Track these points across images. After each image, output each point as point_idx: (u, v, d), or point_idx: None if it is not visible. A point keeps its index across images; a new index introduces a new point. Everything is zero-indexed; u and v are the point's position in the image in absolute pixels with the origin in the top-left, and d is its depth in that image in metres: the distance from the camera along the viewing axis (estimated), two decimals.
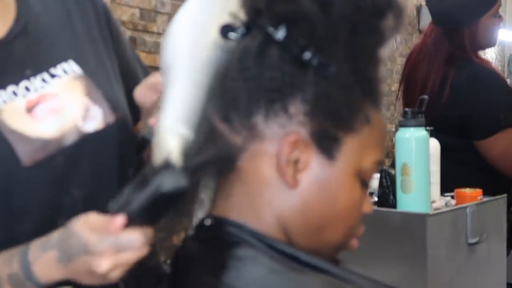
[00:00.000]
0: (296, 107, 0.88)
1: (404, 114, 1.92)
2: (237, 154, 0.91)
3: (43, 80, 1.16)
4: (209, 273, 0.89)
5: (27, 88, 1.14)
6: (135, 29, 2.43)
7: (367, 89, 0.91)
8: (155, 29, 2.54)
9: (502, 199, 2.19)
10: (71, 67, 1.20)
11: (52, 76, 1.18)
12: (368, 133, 0.92)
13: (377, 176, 2.07)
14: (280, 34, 0.87)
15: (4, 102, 1.12)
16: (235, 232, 0.92)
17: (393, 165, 1.96)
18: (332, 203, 0.91)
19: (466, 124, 2.45)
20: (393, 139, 1.92)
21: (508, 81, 5.45)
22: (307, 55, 0.86)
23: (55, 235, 0.96)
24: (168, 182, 0.85)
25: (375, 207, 1.95)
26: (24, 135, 1.10)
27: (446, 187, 2.10)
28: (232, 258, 0.89)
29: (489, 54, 5.99)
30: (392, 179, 1.94)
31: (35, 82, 1.15)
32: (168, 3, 2.61)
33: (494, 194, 2.19)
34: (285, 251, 0.90)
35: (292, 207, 0.91)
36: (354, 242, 0.97)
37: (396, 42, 4.37)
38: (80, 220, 0.92)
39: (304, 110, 0.88)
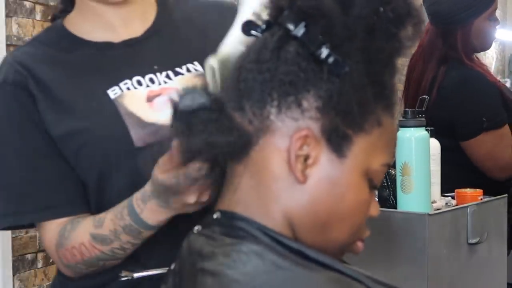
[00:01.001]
0: (309, 102, 0.90)
1: (405, 114, 1.91)
2: (248, 144, 0.92)
3: (168, 76, 1.30)
4: (215, 268, 0.89)
5: (151, 80, 1.29)
6: None
7: (380, 93, 0.93)
8: None
9: (503, 199, 2.19)
10: (195, 67, 1.33)
11: (176, 74, 1.31)
12: (378, 136, 0.93)
13: None
14: (299, 30, 0.90)
15: (128, 89, 1.26)
16: (242, 227, 0.92)
17: (393, 165, 1.96)
18: (340, 201, 0.92)
19: (453, 124, 2.45)
20: None
21: (508, 81, 5.45)
22: (324, 52, 0.89)
23: (147, 187, 1.13)
24: (188, 99, 0.94)
25: None
26: (140, 119, 1.24)
27: (447, 187, 2.10)
28: (239, 253, 0.89)
29: (490, 54, 5.99)
30: (393, 179, 1.93)
31: (160, 77, 1.29)
32: None
33: (494, 194, 2.19)
34: (291, 247, 0.91)
35: (299, 202, 0.92)
36: (360, 245, 0.98)
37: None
38: (155, 168, 1.07)
39: (317, 106, 0.90)
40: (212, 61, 1.01)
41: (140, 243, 1.21)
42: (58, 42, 1.32)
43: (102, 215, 1.22)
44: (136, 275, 1.21)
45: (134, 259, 1.24)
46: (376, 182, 0.95)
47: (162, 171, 1.06)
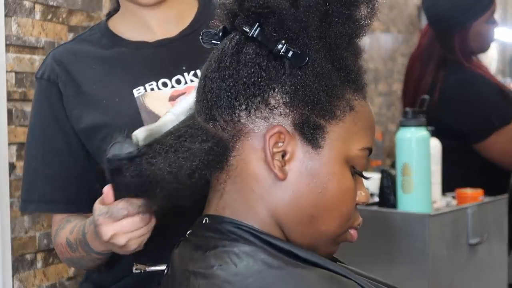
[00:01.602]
0: (276, 99, 0.90)
1: (405, 114, 1.91)
2: (226, 150, 0.93)
3: (195, 74, 1.32)
4: (206, 270, 0.88)
5: (178, 81, 1.32)
6: None
7: (346, 76, 0.93)
8: None
9: (503, 199, 2.19)
10: None
11: None
12: (353, 121, 0.93)
13: (377, 176, 2.06)
14: (255, 31, 0.90)
15: (152, 89, 1.30)
16: (232, 230, 0.92)
17: (393, 165, 1.95)
18: (323, 192, 0.91)
19: (461, 128, 2.45)
20: (394, 139, 1.92)
21: (508, 81, 5.45)
22: (281, 47, 0.89)
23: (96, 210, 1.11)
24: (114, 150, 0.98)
25: (376, 208, 1.95)
26: (157, 117, 1.23)
27: (447, 187, 2.10)
28: (230, 254, 0.89)
29: (490, 54, 5.99)
30: (393, 179, 1.93)
31: (188, 76, 1.32)
32: None
33: (495, 195, 2.18)
34: (281, 247, 0.91)
35: (283, 199, 0.92)
36: (353, 233, 0.97)
37: (397, 42, 4.37)
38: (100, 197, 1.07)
39: (284, 102, 0.90)
40: (138, 133, 1.01)
41: (96, 262, 1.25)
42: (100, 39, 1.38)
43: (76, 223, 1.28)
44: (149, 269, 1.23)
45: (148, 252, 1.25)
46: (359, 168, 0.95)
47: (100, 201, 1.08)
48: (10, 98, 1.91)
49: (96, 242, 1.16)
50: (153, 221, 1.08)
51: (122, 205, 1.04)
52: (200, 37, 0.98)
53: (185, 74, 1.33)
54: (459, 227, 1.95)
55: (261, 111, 0.91)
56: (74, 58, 1.35)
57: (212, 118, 0.93)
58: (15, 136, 1.94)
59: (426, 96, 2.09)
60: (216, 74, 0.92)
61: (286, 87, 0.90)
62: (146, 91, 1.31)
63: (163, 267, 1.15)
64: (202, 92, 0.94)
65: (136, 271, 1.25)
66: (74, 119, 1.32)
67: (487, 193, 2.15)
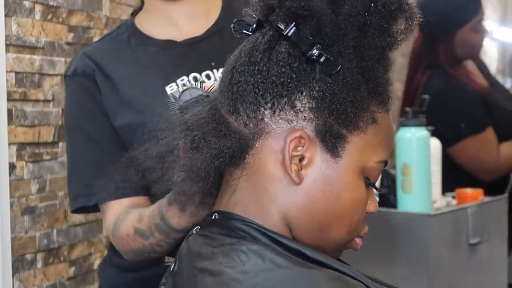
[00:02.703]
0: (302, 103, 0.90)
1: (405, 114, 1.91)
2: (246, 148, 0.92)
3: None
4: (214, 267, 0.88)
5: (208, 76, 1.35)
6: None
7: (374, 89, 0.92)
8: None
9: (503, 199, 2.18)
10: None
11: None
12: (374, 133, 0.92)
13: None
14: (290, 30, 0.89)
15: (184, 85, 1.33)
16: (241, 227, 0.92)
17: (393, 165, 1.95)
18: (336, 200, 0.91)
19: (436, 131, 2.48)
20: (394, 139, 1.91)
21: (509, 81, 5.45)
22: (315, 52, 0.88)
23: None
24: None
25: None
26: None
27: (447, 187, 2.10)
28: (238, 252, 0.89)
29: (490, 54, 5.98)
30: (393, 179, 1.93)
31: (217, 73, 1.35)
32: None
33: (495, 195, 2.18)
34: (290, 246, 0.90)
35: (296, 203, 0.91)
36: (358, 242, 0.97)
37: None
38: None
39: (310, 107, 0.90)
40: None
41: (175, 242, 1.22)
42: (127, 38, 1.38)
43: (143, 210, 1.26)
44: None
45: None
46: (373, 180, 0.95)
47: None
48: (10, 98, 1.91)
49: (180, 219, 1.15)
50: None
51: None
52: (232, 26, 0.97)
53: (214, 70, 1.35)
54: (459, 227, 1.94)
55: (286, 113, 0.90)
56: (105, 56, 1.37)
57: (236, 112, 0.92)
58: (15, 136, 1.94)
59: (426, 96, 2.09)
60: (245, 68, 0.91)
61: (314, 92, 0.89)
62: (178, 87, 1.32)
63: None
64: (228, 83, 0.93)
65: (166, 263, 1.26)
66: (110, 115, 1.34)
67: (487, 193, 2.15)
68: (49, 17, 2.05)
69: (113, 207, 1.33)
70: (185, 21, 1.38)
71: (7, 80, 1.90)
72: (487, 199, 2.11)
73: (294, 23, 0.89)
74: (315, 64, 0.89)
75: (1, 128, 1.88)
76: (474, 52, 2.66)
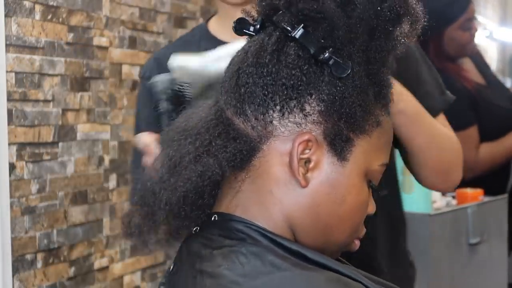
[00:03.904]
0: (312, 106, 0.89)
1: None
2: (253, 151, 0.91)
3: None
4: (213, 269, 0.88)
5: None
6: (134, 28, 2.43)
7: (379, 92, 0.92)
8: (154, 28, 2.53)
9: (503, 199, 2.19)
10: None
11: None
12: (378, 136, 0.92)
13: None
14: (298, 32, 0.88)
15: None
16: (241, 229, 0.91)
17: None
18: (340, 203, 0.91)
19: None
20: None
21: (509, 81, 5.45)
22: (325, 54, 0.87)
23: None
24: None
25: None
26: None
27: None
28: (237, 254, 0.88)
29: (490, 54, 5.98)
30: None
31: None
32: (168, 2, 2.61)
33: (495, 195, 2.18)
34: (290, 248, 0.90)
35: (301, 205, 0.91)
36: (357, 243, 0.97)
37: None
38: None
39: (319, 110, 0.89)
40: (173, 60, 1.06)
41: None
42: (198, 41, 1.42)
43: None
44: None
45: None
46: (374, 182, 0.95)
47: None
48: (10, 98, 1.91)
49: None
50: None
51: None
52: (233, 25, 0.95)
53: None
54: (459, 227, 1.94)
55: (295, 116, 0.89)
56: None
57: (243, 114, 0.91)
58: (15, 136, 1.94)
59: None
60: (253, 69, 0.90)
61: (324, 95, 0.88)
62: None
63: None
64: (235, 85, 0.91)
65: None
66: None
67: (487, 193, 2.15)
68: (49, 17, 2.05)
69: None
70: None
71: (7, 80, 1.90)
72: (487, 199, 2.11)
73: (302, 25, 0.88)
74: (324, 67, 0.88)
75: (1, 128, 1.88)
76: (464, 50, 2.66)
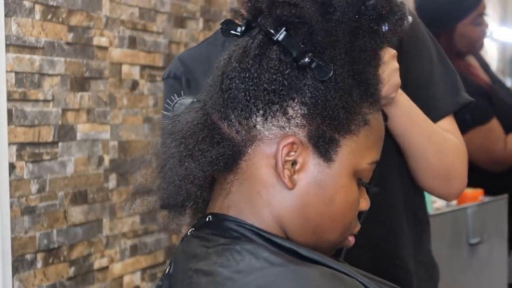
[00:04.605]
0: (294, 110, 0.89)
1: None
2: (238, 154, 0.92)
3: None
4: (208, 267, 0.88)
5: None
6: (134, 28, 2.43)
7: (365, 91, 0.92)
8: (154, 28, 2.53)
9: (503, 199, 2.19)
10: None
11: None
12: (366, 135, 0.92)
13: None
14: (280, 35, 0.89)
15: None
16: (235, 228, 0.92)
17: None
18: (329, 204, 0.91)
19: None
20: None
21: (509, 80, 5.45)
22: (306, 59, 0.88)
23: None
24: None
25: None
26: None
27: None
28: (232, 252, 0.89)
29: (490, 54, 5.98)
30: None
31: None
32: (168, 2, 2.61)
33: (495, 195, 2.18)
34: (284, 245, 0.91)
35: (289, 207, 0.91)
36: (351, 239, 0.97)
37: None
38: None
39: (302, 113, 0.89)
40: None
41: None
42: (222, 43, 1.39)
43: None
44: None
45: None
46: (365, 180, 0.95)
47: None
48: (10, 98, 1.91)
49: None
50: None
51: None
52: (220, 26, 0.96)
53: None
54: (459, 227, 1.94)
55: (278, 120, 0.90)
56: (198, 61, 1.41)
57: (227, 118, 0.91)
58: (15, 136, 1.94)
59: None
60: (235, 74, 0.90)
61: (306, 99, 0.89)
62: None
63: None
64: (219, 89, 0.92)
65: None
66: None
67: (487, 193, 2.15)
68: (49, 17, 2.05)
69: None
70: None
71: (7, 80, 1.90)
72: (487, 199, 2.11)
73: (284, 27, 0.89)
74: (306, 71, 0.88)
75: (1, 128, 1.88)
76: (474, 46, 2.65)
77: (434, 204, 1.94)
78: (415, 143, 1.32)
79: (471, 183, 2.16)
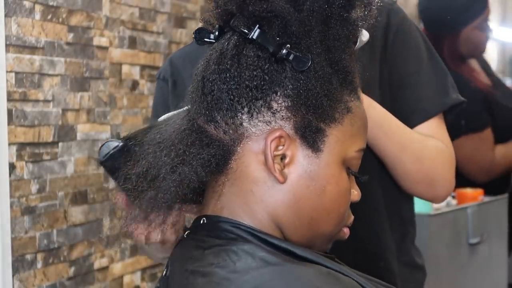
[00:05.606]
0: (278, 103, 0.90)
1: None
2: (228, 154, 0.92)
3: None
4: (205, 268, 0.89)
5: None
6: (134, 28, 2.43)
7: (344, 79, 0.93)
8: (154, 28, 2.53)
9: (503, 199, 2.19)
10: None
11: None
12: (350, 123, 0.93)
13: None
14: (255, 33, 0.90)
15: None
16: (230, 229, 0.92)
17: None
18: (322, 194, 0.92)
19: None
20: None
21: (509, 81, 5.45)
22: (283, 51, 0.89)
23: None
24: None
25: None
26: None
27: None
28: (229, 252, 0.89)
29: (490, 55, 5.98)
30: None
31: None
32: (168, 2, 2.61)
33: (495, 195, 2.18)
34: (279, 246, 0.91)
35: (283, 202, 0.92)
36: (346, 231, 0.98)
37: None
38: None
39: (286, 105, 0.90)
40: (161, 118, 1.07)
41: None
42: None
43: None
44: None
45: None
46: (354, 169, 0.96)
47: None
48: (10, 98, 1.91)
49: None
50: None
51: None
52: (193, 35, 0.97)
53: None
54: (459, 227, 1.95)
55: (263, 115, 0.90)
56: (184, 59, 1.43)
57: (213, 120, 0.92)
58: (15, 136, 1.94)
59: None
60: (216, 76, 0.91)
61: (288, 91, 0.90)
62: None
63: None
64: (201, 94, 0.93)
65: None
66: None
67: (487, 193, 2.15)
68: (49, 17, 2.05)
69: None
70: None
71: (7, 80, 1.90)
72: (487, 199, 2.11)
73: (257, 25, 0.90)
74: (285, 63, 0.90)
75: (1, 128, 1.88)
76: (478, 51, 2.65)
77: (434, 204, 1.94)
78: (390, 153, 1.30)
79: (471, 183, 2.17)
